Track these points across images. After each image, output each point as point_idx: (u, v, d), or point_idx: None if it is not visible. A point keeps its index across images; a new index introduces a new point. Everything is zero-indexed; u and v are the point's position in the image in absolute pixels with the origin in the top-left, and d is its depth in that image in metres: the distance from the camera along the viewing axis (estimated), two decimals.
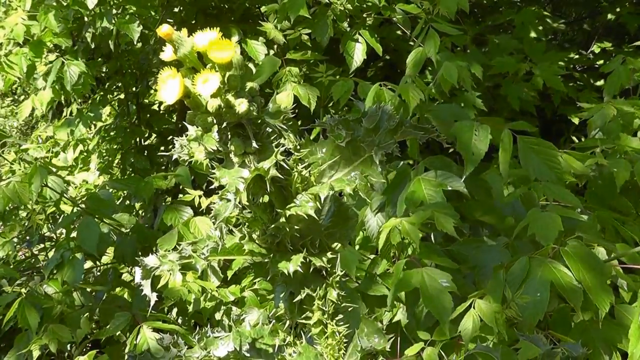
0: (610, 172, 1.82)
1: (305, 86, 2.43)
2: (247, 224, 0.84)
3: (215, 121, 0.76)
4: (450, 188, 1.81)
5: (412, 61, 2.19)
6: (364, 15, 2.59)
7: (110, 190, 2.43)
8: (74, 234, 2.25)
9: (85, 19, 2.83)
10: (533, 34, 3.00)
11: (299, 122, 2.73)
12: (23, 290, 2.11)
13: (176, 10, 3.05)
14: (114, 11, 2.77)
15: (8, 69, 2.81)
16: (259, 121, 0.77)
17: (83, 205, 2.23)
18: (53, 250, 3.13)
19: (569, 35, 3.73)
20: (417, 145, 2.00)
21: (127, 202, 2.98)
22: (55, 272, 2.25)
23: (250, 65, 2.63)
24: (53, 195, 2.35)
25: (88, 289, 2.23)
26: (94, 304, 2.23)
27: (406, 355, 1.58)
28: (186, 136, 0.81)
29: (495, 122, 1.81)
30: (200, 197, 2.41)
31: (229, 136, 0.76)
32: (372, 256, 2.00)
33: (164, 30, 0.70)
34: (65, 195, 2.34)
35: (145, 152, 3.42)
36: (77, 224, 2.19)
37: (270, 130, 0.78)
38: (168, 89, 0.72)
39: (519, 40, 2.94)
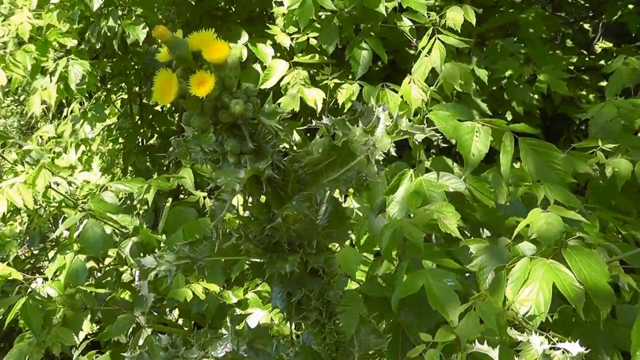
0: (611, 172, 1.82)
1: (311, 88, 2.44)
2: (243, 224, 0.84)
3: (211, 122, 0.76)
4: (452, 189, 1.81)
5: (417, 71, 2.20)
6: (370, 25, 2.60)
7: (114, 192, 2.43)
8: (75, 234, 2.25)
9: (91, 19, 2.85)
10: (539, 35, 2.99)
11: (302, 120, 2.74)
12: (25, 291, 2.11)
13: (180, 11, 3.06)
14: (119, 12, 2.78)
15: (13, 67, 2.82)
16: (255, 121, 0.77)
17: (86, 207, 2.23)
18: (53, 250, 3.14)
19: (569, 35, 3.73)
20: (422, 147, 2.00)
21: (128, 202, 2.99)
22: (58, 273, 2.25)
23: (257, 67, 2.64)
24: (57, 196, 2.35)
25: (89, 291, 2.22)
26: (96, 306, 2.23)
27: (408, 357, 1.58)
28: (183, 137, 0.81)
29: (496, 123, 1.81)
30: (204, 198, 2.42)
31: (225, 137, 0.76)
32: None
33: (158, 30, 0.70)
34: (68, 196, 2.34)
35: (147, 152, 3.43)
36: (81, 226, 2.19)
37: (267, 130, 0.78)
38: (163, 89, 0.72)
39: (523, 41, 2.93)
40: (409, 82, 2.01)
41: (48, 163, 2.32)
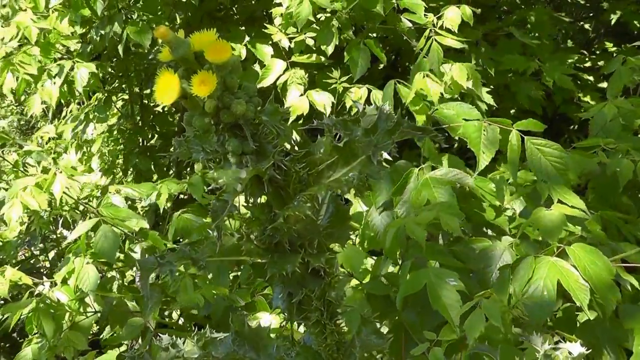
0: (613, 171, 1.82)
1: (320, 92, 2.45)
2: (245, 224, 0.84)
3: (212, 122, 0.75)
4: (459, 185, 1.80)
5: (417, 70, 2.21)
6: (369, 26, 2.60)
7: (123, 195, 2.42)
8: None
9: (93, 19, 2.85)
10: (545, 32, 2.99)
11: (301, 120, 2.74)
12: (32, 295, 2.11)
13: (181, 12, 3.06)
14: (123, 16, 2.79)
15: (22, 70, 2.82)
16: (257, 121, 0.77)
17: (97, 211, 2.21)
18: (53, 250, 3.13)
19: (569, 35, 3.73)
20: (430, 144, 2.00)
21: (129, 202, 2.98)
22: (67, 277, 2.24)
23: (256, 67, 2.64)
24: (68, 200, 2.34)
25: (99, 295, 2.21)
26: (104, 310, 2.22)
27: (412, 355, 1.58)
28: (184, 137, 0.81)
29: (502, 122, 1.81)
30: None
31: (227, 137, 0.76)
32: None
33: (160, 31, 0.70)
34: (78, 200, 2.34)
35: (148, 153, 3.43)
36: (93, 232, 2.17)
37: (268, 130, 0.78)
38: (165, 89, 0.71)
39: (535, 37, 2.94)
40: (423, 77, 2.01)
41: (64, 167, 2.32)
